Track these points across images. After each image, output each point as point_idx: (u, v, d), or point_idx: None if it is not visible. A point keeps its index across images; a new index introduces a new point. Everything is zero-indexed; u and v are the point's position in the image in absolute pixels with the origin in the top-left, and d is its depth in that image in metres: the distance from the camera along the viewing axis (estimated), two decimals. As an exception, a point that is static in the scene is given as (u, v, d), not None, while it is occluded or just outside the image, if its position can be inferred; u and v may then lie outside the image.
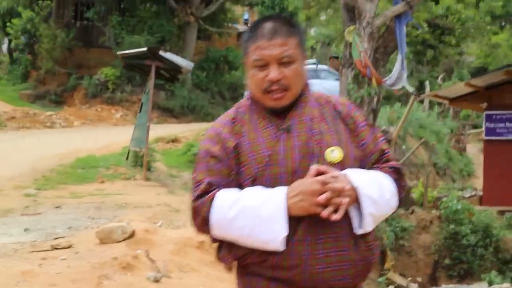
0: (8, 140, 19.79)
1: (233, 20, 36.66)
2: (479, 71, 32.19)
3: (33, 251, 6.94)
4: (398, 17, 11.64)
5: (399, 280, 14.01)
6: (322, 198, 2.57)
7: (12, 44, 34.96)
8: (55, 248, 7.12)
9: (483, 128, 19.01)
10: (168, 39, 30.34)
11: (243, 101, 2.96)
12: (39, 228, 8.38)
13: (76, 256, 6.81)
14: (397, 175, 2.88)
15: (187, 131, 20.53)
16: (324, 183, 2.60)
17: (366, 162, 2.87)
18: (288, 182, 2.68)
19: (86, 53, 32.63)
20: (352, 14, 11.86)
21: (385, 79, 11.64)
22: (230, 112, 2.95)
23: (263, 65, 2.77)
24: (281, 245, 2.62)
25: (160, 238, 7.70)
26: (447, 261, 14.95)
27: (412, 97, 15.53)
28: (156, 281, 6.30)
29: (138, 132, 14.87)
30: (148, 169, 14.44)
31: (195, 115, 29.37)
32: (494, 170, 18.04)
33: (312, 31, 36.63)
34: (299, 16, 22.75)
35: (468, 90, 18.45)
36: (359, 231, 2.70)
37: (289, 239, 2.63)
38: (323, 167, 2.65)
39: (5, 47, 37.71)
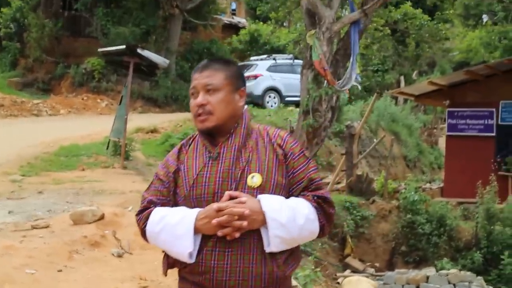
0: None
1: (218, 12, 37.08)
2: (462, 66, 33.01)
3: (15, 230, 8.05)
4: (354, 23, 12.69)
5: (356, 265, 15.02)
6: (214, 221, 3.01)
7: (1, 33, 35.43)
8: (34, 227, 8.23)
9: (445, 124, 19.99)
10: (153, 30, 30.73)
11: (195, 133, 3.39)
12: (21, 211, 9.46)
13: (52, 234, 7.93)
14: (323, 202, 3.20)
15: (167, 121, 21.11)
16: (220, 209, 3.02)
17: (294, 189, 3.21)
18: (209, 202, 3.11)
19: (73, 43, 32.96)
20: (313, 19, 12.93)
21: (337, 82, 12.65)
22: (181, 142, 3.41)
23: (195, 93, 3.25)
24: (188, 258, 3.09)
25: (127, 221, 8.80)
26: (403, 248, 15.89)
27: (375, 95, 16.50)
28: (119, 256, 7.44)
29: (117, 123, 15.68)
30: (127, 158, 15.30)
31: (178, 105, 29.69)
32: (455, 164, 19.05)
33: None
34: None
35: (432, 88, 19.45)
36: (267, 250, 3.07)
37: (201, 250, 3.09)
38: (235, 193, 3.06)
39: (-6, 35, 38.14)
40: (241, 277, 3.07)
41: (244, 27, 41.22)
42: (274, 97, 27.53)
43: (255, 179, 3.13)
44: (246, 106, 3.37)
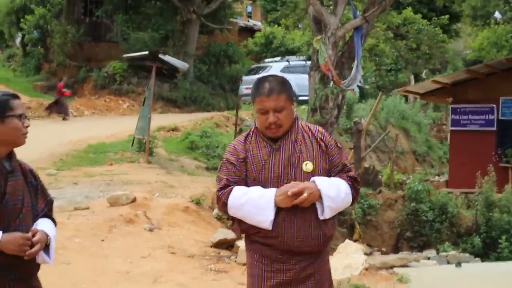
0: None
1: (234, 16, 37.96)
2: (475, 64, 33.61)
3: (60, 211, 9.37)
4: (356, 29, 13.92)
5: (364, 249, 16.05)
6: (289, 193, 3.94)
7: (26, 39, 36.53)
8: (76, 209, 9.58)
9: (449, 120, 20.97)
10: (171, 35, 31.65)
11: (253, 128, 4.29)
12: (62, 197, 10.80)
13: (93, 214, 9.33)
14: (353, 181, 4.22)
15: (186, 121, 22.23)
16: (294, 186, 3.96)
17: (332, 171, 4.18)
18: (275, 183, 4.06)
19: (95, 47, 34.16)
20: (319, 26, 14.19)
21: (342, 81, 13.86)
22: (243, 135, 4.31)
23: (264, 112, 4.11)
24: (269, 225, 4.00)
25: (156, 204, 10.20)
26: (408, 234, 16.72)
27: (380, 94, 17.60)
28: (150, 230, 8.83)
29: (141, 122, 16.91)
30: (150, 154, 16.57)
31: (196, 105, 30.68)
32: (458, 157, 20.00)
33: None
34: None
35: (436, 86, 20.49)
36: (321, 217, 4.06)
37: (275, 219, 3.99)
38: (297, 182, 4.02)
39: (17, 41, 39.28)
40: (303, 239, 4.04)
41: (259, 30, 41.99)
42: (288, 97, 28.44)
43: (308, 166, 4.10)
44: (295, 110, 4.32)
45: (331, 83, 14.07)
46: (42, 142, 17.72)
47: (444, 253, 14.55)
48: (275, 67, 29.49)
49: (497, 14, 36.55)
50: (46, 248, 3.84)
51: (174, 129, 20.92)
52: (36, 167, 13.47)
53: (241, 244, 9.61)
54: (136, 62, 17.52)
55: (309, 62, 27.31)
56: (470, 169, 18.26)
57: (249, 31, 42.51)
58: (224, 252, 9.86)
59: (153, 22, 31.70)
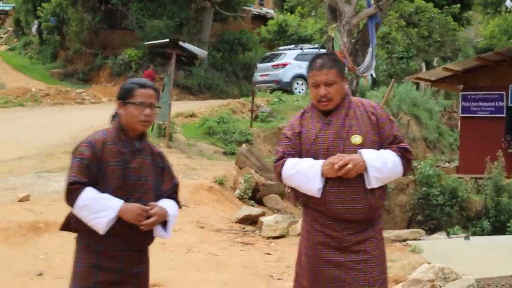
0: (46, 114, 22.26)
1: (247, 3, 38.18)
2: (486, 51, 33.68)
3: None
4: (370, 17, 14.43)
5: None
6: (337, 166, 4.22)
7: (42, 26, 36.93)
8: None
9: (459, 107, 21.39)
10: (186, 23, 31.99)
11: (309, 105, 4.61)
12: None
13: (124, 193, 9.84)
14: (403, 152, 4.40)
15: (203, 107, 22.69)
16: (340, 158, 4.24)
17: (384, 143, 4.39)
18: (324, 155, 4.33)
19: (110, 35, 34.62)
20: (334, 14, 14.73)
21: (358, 68, 14.40)
22: (301, 111, 4.65)
23: (316, 85, 4.44)
24: (317, 193, 4.31)
25: (181, 183, 10.61)
26: (419, 217, 17.11)
27: (392, 80, 17.99)
28: (179, 207, 9.34)
29: (161, 108, 17.40)
30: (170, 139, 17.07)
31: (211, 92, 31.15)
32: (468, 143, 20.40)
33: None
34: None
35: (447, 73, 20.87)
36: (368, 187, 4.28)
37: (324, 188, 4.29)
38: (343, 155, 4.27)
39: (34, 28, 39.66)
40: (350, 207, 4.30)
41: (272, 18, 42.37)
42: (302, 84, 29.03)
43: (357, 139, 4.34)
44: (346, 86, 4.62)
45: (346, 70, 14.59)
46: (64, 128, 18.33)
47: (454, 235, 14.96)
48: (289, 54, 29.94)
49: (507, 2, 36.67)
50: (164, 224, 4.20)
51: (192, 115, 21.34)
52: (61, 151, 14.12)
53: (264, 219, 10.38)
54: (156, 49, 18.01)
55: (322, 50, 28.09)
56: (479, 155, 18.51)
57: (262, 19, 42.95)
58: (248, 227, 10.57)
59: (168, 10, 32.00)
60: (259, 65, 31.01)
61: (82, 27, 33.44)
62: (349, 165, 4.20)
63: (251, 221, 10.84)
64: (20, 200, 9.79)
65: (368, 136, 4.37)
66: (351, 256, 4.34)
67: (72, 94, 27.88)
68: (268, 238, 9.97)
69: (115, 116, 4.32)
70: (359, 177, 4.28)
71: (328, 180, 4.31)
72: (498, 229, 16.41)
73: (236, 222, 10.64)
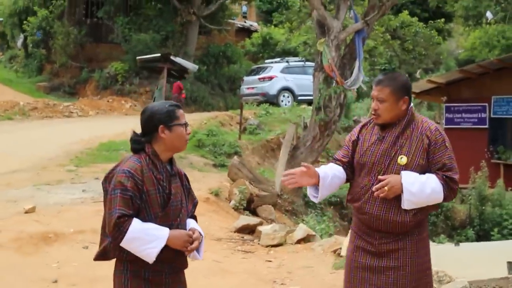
0: (35, 128, 22.36)
1: (231, 16, 38.69)
2: (467, 63, 34.22)
3: (94, 201, 10.24)
4: (357, 32, 14.85)
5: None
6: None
7: (28, 40, 37.01)
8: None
9: (443, 119, 21.76)
10: (171, 36, 32.16)
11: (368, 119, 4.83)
12: (91, 190, 11.66)
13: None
14: (448, 180, 4.44)
15: (191, 120, 22.49)
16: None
17: (432, 168, 4.48)
18: (370, 169, 4.55)
19: (96, 48, 34.72)
20: (323, 29, 15.13)
21: (345, 81, 14.80)
22: (363, 122, 4.86)
23: (372, 99, 4.62)
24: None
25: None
26: None
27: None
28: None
29: (152, 121, 17.71)
30: (161, 152, 17.33)
31: (197, 105, 30.90)
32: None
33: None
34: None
35: (431, 86, 21.32)
36: (403, 207, 4.43)
37: (363, 199, 4.56)
38: (383, 177, 4.44)
39: (19, 42, 39.69)
40: (384, 220, 4.49)
41: (256, 31, 42.69)
42: (288, 96, 29.51)
43: (403, 160, 4.47)
44: (411, 105, 4.66)
45: (334, 83, 15.00)
46: (55, 141, 18.48)
47: (438, 243, 15.34)
48: (275, 67, 30.26)
49: (488, 14, 37.14)
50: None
51: (181, 128, 21.49)
52: (55, 164, 14.38)
53: (262, 229, 10.86)
54: (147, 63, 18.34)
55: (308, 63, 28.60)
56: (463, 165, 18.53)
57: (246, 32, 43.23)
58: (247, 236, 11.00)
59: (154, 24, 32.31)
60: (245, 78, 31.24)
61: (68, 40, 33.50)
62: (385, 188, 4.40)
63: (249, 230, 11.30)
64: (26, 212, 10.18)
65: (416, 159, 4.48)
66: (384, 262, 4.53)
67: (60, 107, 27.75)
68: (267, 246, 10.40)
69: (140, 143, 4.23)
70: (397, 196, 4.46)
71: (367, 192, 4.56)
72: (482, 238, 16.67)
73: (234, 232, 11.07)
